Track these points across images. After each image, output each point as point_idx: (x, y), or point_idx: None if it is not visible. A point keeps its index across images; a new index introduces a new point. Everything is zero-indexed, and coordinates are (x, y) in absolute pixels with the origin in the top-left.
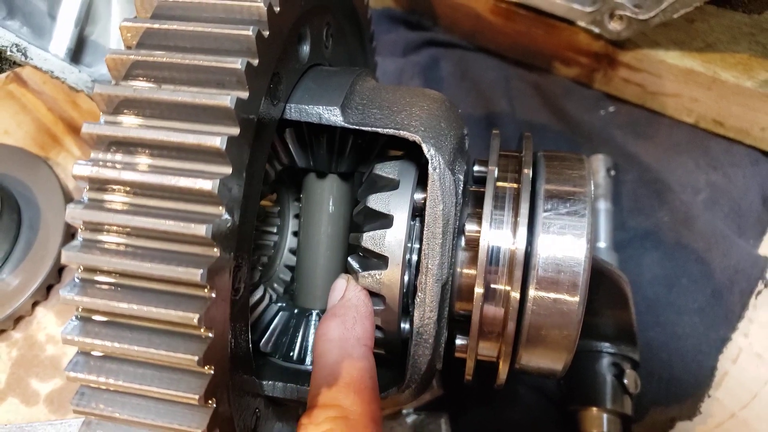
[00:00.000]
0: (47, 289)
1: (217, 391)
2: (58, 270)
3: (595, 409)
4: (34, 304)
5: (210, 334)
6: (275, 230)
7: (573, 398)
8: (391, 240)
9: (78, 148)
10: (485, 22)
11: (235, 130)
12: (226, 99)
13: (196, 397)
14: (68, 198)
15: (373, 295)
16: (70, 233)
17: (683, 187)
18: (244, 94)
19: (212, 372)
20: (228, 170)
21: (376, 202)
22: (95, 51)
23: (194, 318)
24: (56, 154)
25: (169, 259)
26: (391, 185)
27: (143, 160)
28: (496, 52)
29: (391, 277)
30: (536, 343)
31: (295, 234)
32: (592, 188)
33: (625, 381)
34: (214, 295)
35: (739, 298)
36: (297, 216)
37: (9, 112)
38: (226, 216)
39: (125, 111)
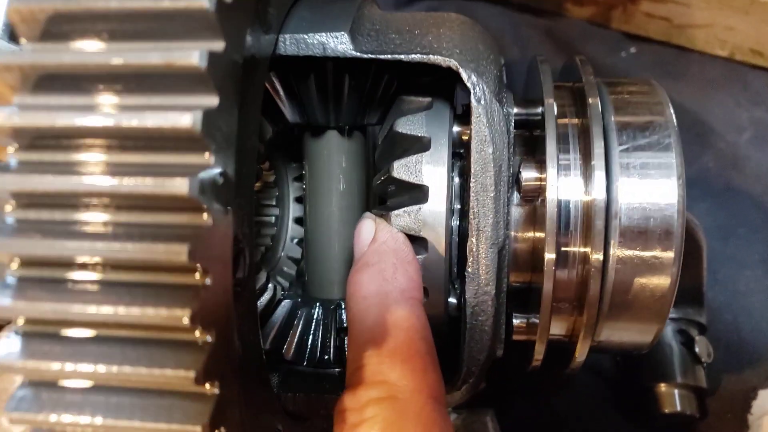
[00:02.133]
0: None
1: (225, 415)
2: None
3: (664, 385)
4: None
5: (208, 338)
6: (274, 203)
7: (636, 376)
8: (429, 167)
9: None
10: None
11: (220, 45)
12: None
13: (198, 429)
14: None
15: (412, 240)
16: None
17: (726, 127)
18: None
19: (217, 391)
20: (214, 100)
21: (403, 169)
22: None
23: (184, 316)
24: None
25: (138, 235)
26: (420, 146)
27: (88, 98)
28: None
29: (435, 212)
30: (621, 312)
31: (297, 220)
32: (673, 114)
33: (696, 349)
34: (209, 281)
35: None
36: (298, 200)
37: None
38: (217, 167)
39: (59, 29)
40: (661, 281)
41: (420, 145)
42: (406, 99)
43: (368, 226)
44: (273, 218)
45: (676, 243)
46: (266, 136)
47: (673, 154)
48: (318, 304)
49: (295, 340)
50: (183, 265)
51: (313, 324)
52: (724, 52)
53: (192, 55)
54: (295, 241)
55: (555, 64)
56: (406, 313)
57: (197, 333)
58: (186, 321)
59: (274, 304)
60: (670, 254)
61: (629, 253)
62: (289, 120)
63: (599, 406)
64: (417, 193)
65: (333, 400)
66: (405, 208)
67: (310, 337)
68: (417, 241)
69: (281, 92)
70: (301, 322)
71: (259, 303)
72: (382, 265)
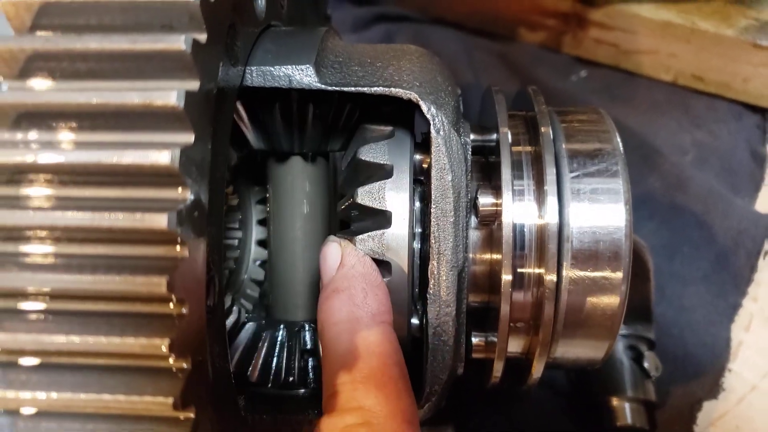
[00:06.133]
0: None
1: None
2: None
3: (615, 399)
4: None
5: (185, 365)
6: (237, 226)
7: (589, 390)
8: (392, 194)
9: None
10: None
11: (195, 83)
12: (179, 40)
13: None
14: None
15: (376, 264)
16: None
17: (670, 149)
18: (202, 36)
19: (192, 416)
20: (190, 138)
21: (367, 196)
22: None
23: (162, 344)
24: None
25: (118, 267)
26: (383, 173)
27: (68, 135)
28: (454, 23)
29: (398, 236)
30: (575, 330)
31: (260, 243)
32: (620, 143)
33: (646, 364)
34: (185, 311)
35: (746, 261)
36: (261, 222)
37: None
38: (192, 199)
39: (37, 71)
40: (611, 300)
41: (383, 172)
42: (368, 128)
43: (334, 249)
44: (236, 241)
45: (624, 264)
46: (231, 162)
47: (621, 181)
48: (282, 326)
49: (260, 362)
50: (161, 295)
51: (278, 346)
52: (669, 77)
53: (170, 95)
54: (258, 263)
55: (508, 88)
56: (378, 337)
57: (174, 360)
58: (164, 349)
59: (238, 327)
60: (618, 275)
61: (581, 274)
62: (254, 146)
63: (555, 420)
64: (380, 218)
65: (299, 420)
66: (369, 233)
67: (275, 359)
68: (381, 265)
69: (246, 119)
70: (266, 345)
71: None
72: (352, 290)
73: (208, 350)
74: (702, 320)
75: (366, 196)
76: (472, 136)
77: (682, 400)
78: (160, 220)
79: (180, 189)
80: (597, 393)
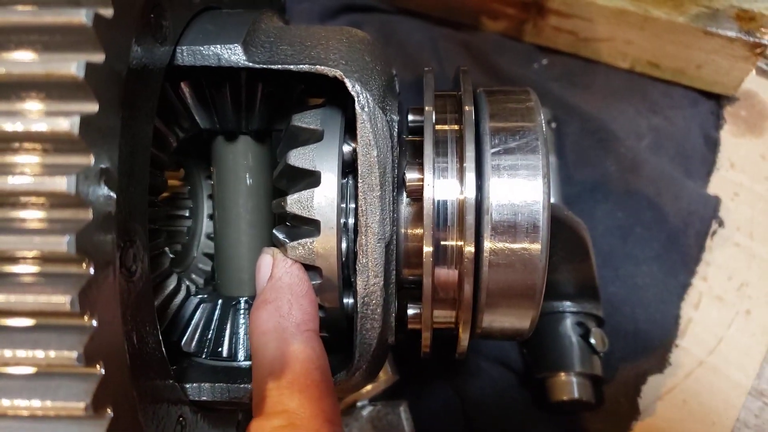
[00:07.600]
0: None
1: (113, 396)
2: None
3: (563, 374)
4: None
5: (93, 322)
6: (188, 214)
7: (538, 366)
8: (320, 200)
9: None
10: None
11: (99, 56)
12: (80, 14)
13: (82, 405)
14: None
15: (308, 268)
16: None
17: (627, 134)
18: (107, 11)
19: (102, 371)
20: (93, 107)
21: (298, 157)
22: None
23: (66, 301)
24: None
25: (23, 230)
26: (315, 137)
27: None
28: (420, 13)
29: (325, 244)
30: (498, 300)
31: (212, 217)
32: (543, 119)
33: (592, 340)
34: (92, 271)
35: (695, 241)
36: (212, 196)
37: None
38: (99, 166)
39: None
40: (532, 271)
41: (315, 136)
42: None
43: (266, 261)
44: (187, 211)
45: (543, 235)
46: (173, 140)
47: (540, 156)
48: (227, 301)
49: (206, 335)
50: (64, 254)
51: (221, 319)
52: (626, 64)
53: (71, 66)
54: (210, 236)
55: (472, 75)
56: (301, 346)
57: (85, 318)
58: (68, 306)
59: (185, 300)
60: (537, 245)
61: (500, 245)
62: (200, 125)
63: (506, 394)
64: (311, 179)
65: (238, 389)
66: (300, 240)
67: (218, 332)
68: (311, 223)
69: (191, 100)
70: (211, 318)
71: (173, 300)
72: (279, 302)
73: (121, 313)
74: (653, 298)
75: (297, 157)
76: (411, 117)
77: (629, 374)
78: (60, 183)
79: (85, 155)
80: (546, 368)
